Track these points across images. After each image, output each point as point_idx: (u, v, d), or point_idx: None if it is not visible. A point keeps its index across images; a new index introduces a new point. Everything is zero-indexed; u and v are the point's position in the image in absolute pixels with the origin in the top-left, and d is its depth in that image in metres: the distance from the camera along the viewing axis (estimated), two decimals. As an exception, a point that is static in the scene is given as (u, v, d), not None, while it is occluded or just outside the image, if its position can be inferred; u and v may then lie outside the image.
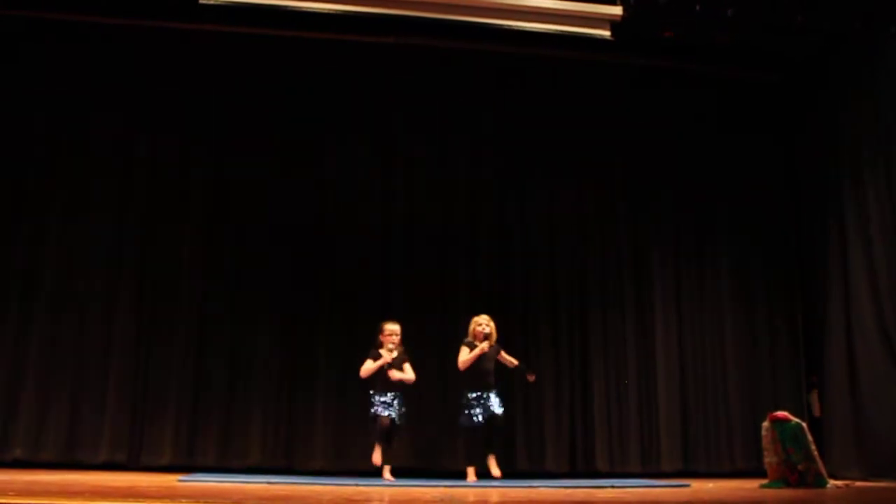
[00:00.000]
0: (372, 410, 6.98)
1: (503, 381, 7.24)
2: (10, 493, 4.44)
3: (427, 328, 7.94)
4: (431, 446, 7.81)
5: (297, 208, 8.22)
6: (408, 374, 7.10)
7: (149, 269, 7.93)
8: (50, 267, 7.77)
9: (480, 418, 6.88)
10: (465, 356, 7.04)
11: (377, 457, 6.91)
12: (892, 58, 7.67)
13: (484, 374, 7.01)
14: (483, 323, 7.17)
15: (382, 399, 6.97)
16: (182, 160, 8.20)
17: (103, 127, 8.08)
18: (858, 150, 7.97)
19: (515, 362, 7.13)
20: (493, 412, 6.91)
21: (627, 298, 8.53)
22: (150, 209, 8.03)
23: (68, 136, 8.06)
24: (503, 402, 7.02)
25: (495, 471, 6.87)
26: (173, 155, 8.19)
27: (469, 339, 7.13)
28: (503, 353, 7.13)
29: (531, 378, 7.26)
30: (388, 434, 6.92)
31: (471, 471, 6.89)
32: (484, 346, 7.03)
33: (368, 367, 7.05)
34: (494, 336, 7.15)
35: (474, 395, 6.95)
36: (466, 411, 6.93)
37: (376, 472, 6.93)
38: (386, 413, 6.91)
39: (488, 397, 6.94)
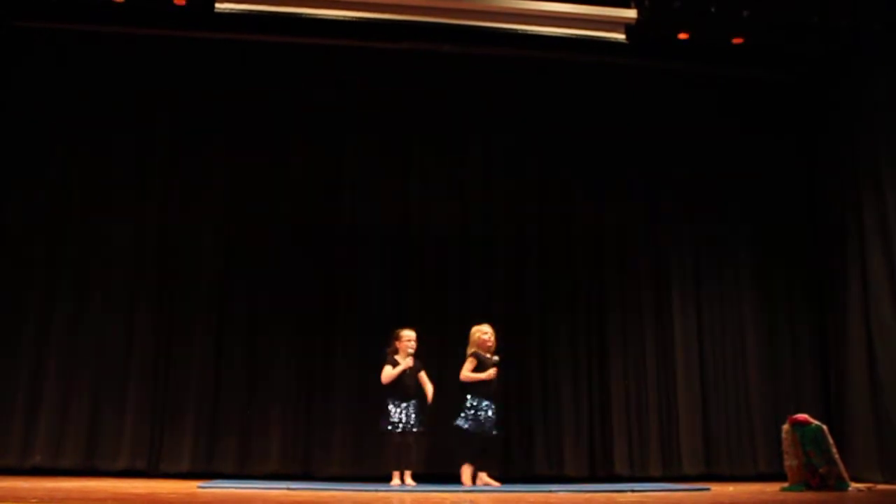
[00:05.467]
0: (390, 424, 6.94)
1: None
2: (32, 500, 4.47)
3: (443, 334, 7.90)
4: (447, 452, 7.79)
5: (315, 214, 8.24)
6: (428, 387, 7.12)
7: (167, 276, 7.96)
8: (68, 277, 7.81)
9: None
10: (466, 370, 7.06)
11: (410, 479, 6.90)
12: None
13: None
14: (489, 332, 7.18)
15: (400, 407, 6.95)
16: (200, 165, 8.23)
17: (119, 131, 8.14)
18: (878, 152, 7.91)
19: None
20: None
21: (646, 301, 8.49)
22: (167, 216, 8.07)
23: (87, 143, 8.12)
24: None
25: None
26: (191, 159, 8.22)
27: (473, 349, 7.13)
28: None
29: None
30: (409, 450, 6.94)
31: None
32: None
33: (390, 372, 7.01)
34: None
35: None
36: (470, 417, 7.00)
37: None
38: (404, 429, 6.90)
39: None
